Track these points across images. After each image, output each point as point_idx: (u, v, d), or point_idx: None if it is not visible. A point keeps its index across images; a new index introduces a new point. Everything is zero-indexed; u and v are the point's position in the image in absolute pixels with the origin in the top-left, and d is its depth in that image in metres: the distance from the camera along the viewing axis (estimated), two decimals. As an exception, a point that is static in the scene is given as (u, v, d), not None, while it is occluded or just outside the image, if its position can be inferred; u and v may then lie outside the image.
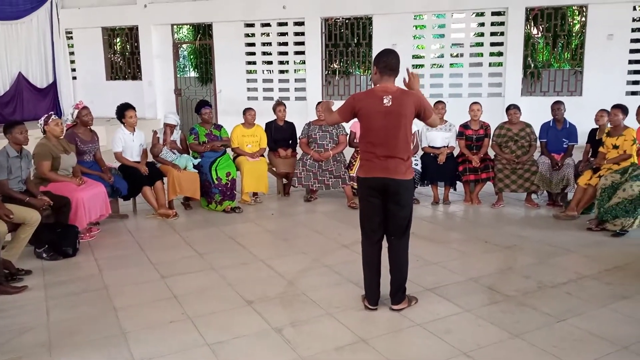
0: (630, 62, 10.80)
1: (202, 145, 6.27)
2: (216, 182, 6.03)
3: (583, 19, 11.70)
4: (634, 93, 10.76)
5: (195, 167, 6.12)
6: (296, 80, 12.57)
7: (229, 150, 6.53)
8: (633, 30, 10.69)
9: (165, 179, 6.00)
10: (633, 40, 10.70)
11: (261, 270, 4.33)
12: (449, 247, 4.92)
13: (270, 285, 3.99)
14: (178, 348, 3.06)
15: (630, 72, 10.83)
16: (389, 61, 3.45)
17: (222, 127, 6.56)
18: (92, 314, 3.55)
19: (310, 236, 5.31)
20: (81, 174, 5.24)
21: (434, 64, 12.07)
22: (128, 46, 14.24)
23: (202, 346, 3.08)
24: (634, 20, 10.96)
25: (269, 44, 12.79)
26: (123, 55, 14.39)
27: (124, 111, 5.89)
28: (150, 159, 6.15)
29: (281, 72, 12.66)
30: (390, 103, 3.37)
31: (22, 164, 4.61)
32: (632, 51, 10.74)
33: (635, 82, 10.89)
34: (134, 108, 5.96)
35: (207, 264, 4.46)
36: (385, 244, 3.59)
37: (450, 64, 12.01)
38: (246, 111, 6.63)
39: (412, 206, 3.57)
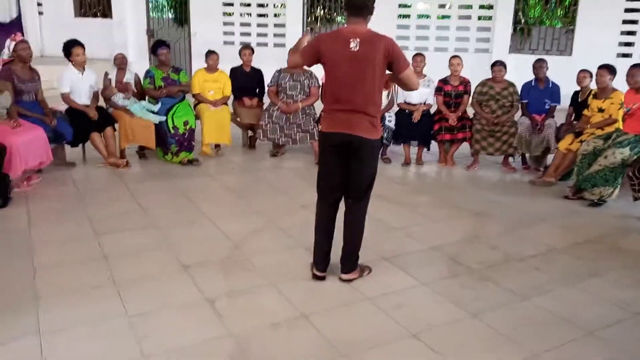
0: (625, 22, 10.30)
1: (158, 90, 5.76)
2: (172, 131, 5.56)
3: (579, -27, 11.10)
4: (625, 55, 10.30)
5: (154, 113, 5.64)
6: (275, 25, 11.87)
7: (188, 96, 6.03)
8: (630, -13, 10.15)
9: (117, 126, 5.53)
10: (629, -1, 10.18)
11: (207, 230, 3.96)
12: (415, 211, 4.58)
13: (213, 248, 3.64)
14: (92, 319, 2.71)
15: (623, 33, 10.35)
16: None
17: (181, 70, 6.03)
18: (6, 275, 3.17)
19: (269, 194, 4.93)
20: (18, 116, 4.75)
21: (421, 15, 11.46)
22: (99, -20, 13.31)
23: (119, 317, 2.74)
24: (632, -24, 10.40)
25: (248, -16, 12.02)
26: (93, -9, 13.47)
27: (70, 48, 5.34)
28: (101, 102, 5.65)
29: (260, 15, 11.96)
30: (358, 47, 2.91)
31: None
32: (627, 10, 10.22)
33: (627, 44, 10.43)
34: (82, 45, 5.40)
35: (149, 221, 4.09)
36: (342, 207, 3.23)
37: (438, 16, 11.41)
38: (208, 54, 6.09)
39: (376, 168, 3.18)
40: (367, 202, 3.23)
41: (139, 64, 10.17)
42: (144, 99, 5.86)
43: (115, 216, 4.17)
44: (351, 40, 2.92)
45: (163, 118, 5.56)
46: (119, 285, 3.06)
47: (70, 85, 5.37)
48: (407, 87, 3.15)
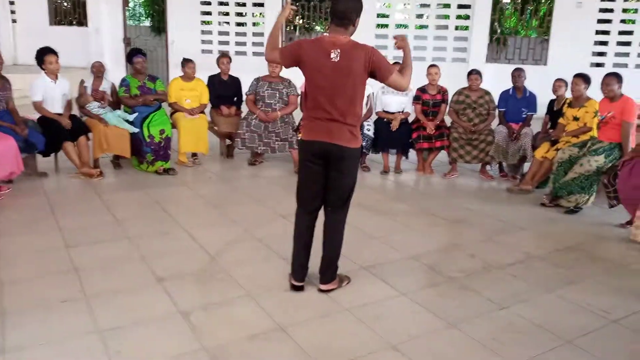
0: (598, 32, 10.53)
1: (134, 99, 5.67)
2: (148, 140, 5.46)
3: (553, -15, 11.33)
4: (598, 65, 10.53)
5: (129, 122, 5.53)
6: (254, 34, 11.86)
7: (164, 104, 5.94)
8: (602, -1, 10.39)
9: (91, 135, 5.41)
10: (602, 10, 10.41)
11: (182, 241, 3.88)
12: (394, 219, 4.56)
13: (189, 259, 3.56)
14: (61, 335, 2.61)
15: (596, 43, 10.57)
16: (335, 6, 2.94)
17: (157, 78, 5.95)
18: (-28, 289, 3.05)
19: (246, 204, 4.86)
20: (-13, 126, 4.62)
21: (399, 25, 11.56)
22: (74, -12, 13.14)
23: (90, 333, 2.64)
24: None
25: (227, -7, 12.00)
26: (69, -2, 13.31)
27: (43, 56, 5.22)
28: (75, 111, 5.54)
29: (238, 24, 11.93)
30: (338, 58, 2.89)
31: None
32: (599, 21, 10.46)
33: (600, 54, 10.65)
34: (55, 53, 5.29)
35: (123, 232, 3.98)
36: (321, 216, 3.18)
37: (416, 26, 11.53)
38: (185, 63, 6.02)
39: (355, 177, 3.15)
40: (346, 211, 3.19)
41: (116, 72, 10.02)
42: (120, 108, 5.76)
43: (87, 227, 4.05)
44: (332, 50, 2.90)
45: (137, 130, 5.46)
46: (90, 299, 2.96)
47: (42, 93, 5.25)
48: (398, 88, 3.15)
